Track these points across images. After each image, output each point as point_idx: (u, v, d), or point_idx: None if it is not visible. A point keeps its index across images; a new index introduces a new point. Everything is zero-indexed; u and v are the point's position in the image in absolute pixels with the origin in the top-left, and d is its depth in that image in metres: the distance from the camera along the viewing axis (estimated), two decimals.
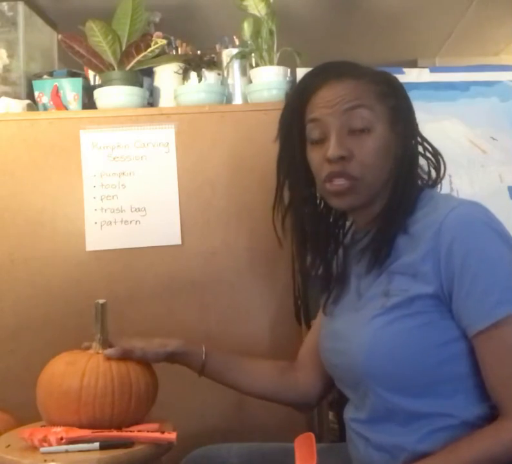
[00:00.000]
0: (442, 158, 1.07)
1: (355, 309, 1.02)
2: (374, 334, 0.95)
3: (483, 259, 0.88)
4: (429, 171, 1.07)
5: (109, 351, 1.15)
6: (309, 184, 1.08)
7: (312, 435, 1.01)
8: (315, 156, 1.03)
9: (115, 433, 1.08)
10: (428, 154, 1.06)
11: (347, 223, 1.15)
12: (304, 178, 1.07)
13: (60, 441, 1.05)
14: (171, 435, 1.08)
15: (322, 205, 1.11)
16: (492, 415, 0.90)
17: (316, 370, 1.19)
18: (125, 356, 1.15)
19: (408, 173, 1.02)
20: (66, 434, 1.06)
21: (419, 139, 1.06)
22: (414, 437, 0.93)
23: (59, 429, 1.08)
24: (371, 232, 1.03)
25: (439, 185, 1.07)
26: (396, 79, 1.05)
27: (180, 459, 1.24)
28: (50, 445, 1.05)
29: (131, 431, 1.10)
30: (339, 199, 1.01)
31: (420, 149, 1.07)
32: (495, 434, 0.87)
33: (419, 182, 1.06)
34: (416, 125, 1.05)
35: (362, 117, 0.99)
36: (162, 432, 1.09)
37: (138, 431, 1.10)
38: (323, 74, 1.03)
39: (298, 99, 1.05)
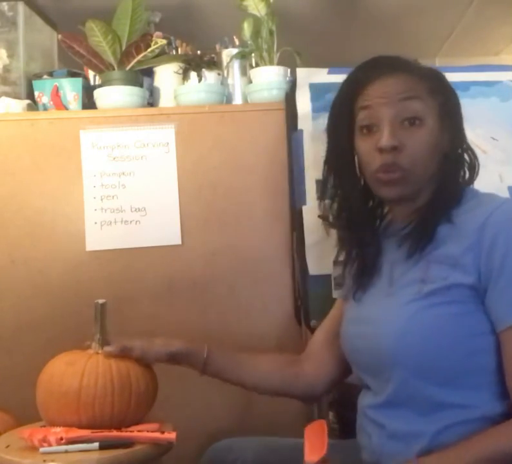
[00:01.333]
0: (477, 159, 1.09)
1: (387, 295, 1.03)
2: (408, 318, 0.96)
3: None
4: (465, 170, 1.08)
5: (107, 348, 1.15)
6: (354, 173, 1.10)
7: (324, 423, 0.99)
8: (364, 145, 1.04)
9: (114, 433, 1.08)
10: (469, 153, 1.08)
11: (384, 214, 1.17)
12: (350, 167, 1.09)
13: (60, 441, 1.05)
14: (171, 435, 1.08)
15: (364, 194, 1.12)
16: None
17: (325, 360, 1.20)
18: (124, 354, 1.16)
19: (454, 168, 1.04)
20: (65, 434, 1.06)
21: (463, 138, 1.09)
22: (433, 428, 0.94)
23: (58, 429, 1.08)
24: (413, 222, 1.04)
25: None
26: (444, 77, 1.08)
27: (181, 459, 1.24)
28: (50, 445, 1.05)
29: (131, 431, 1.10)
30: (389, 188, 1.03)
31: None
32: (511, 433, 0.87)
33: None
34: (462, 123, 1.07)
35: (416, 108, 1.01)
36: (162, 432, 1.09)
37: (138, 431, 1.10)
38: (377, 67, 1.05)
39: (350, 89, 1.06)
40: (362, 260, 1.11)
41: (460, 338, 0.92)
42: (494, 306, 0.91)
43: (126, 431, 1.10)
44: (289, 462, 1.13)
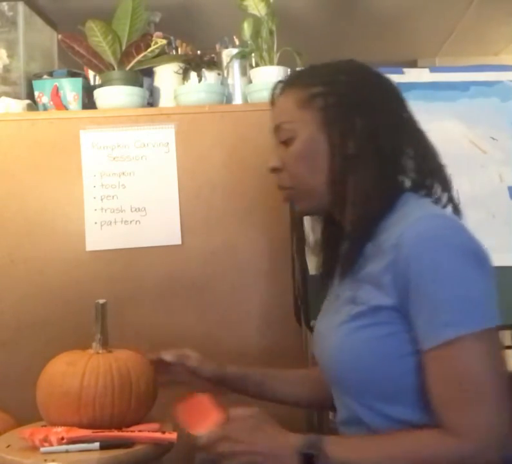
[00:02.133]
0: (432, 160, 1.02)
1: (334, 311, 1.02)
2: (340, 340, 0.95)
3: (436, 279, 0.84)
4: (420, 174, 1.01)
5: (166, 356, 1.16)
6: None
7: (206, 397, 1.00)
8: None
9: (115, 433, 1.08)
10: (411, 155, 0.99)
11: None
12: None
13: (61, 441, 1.05)
14: (172, 436, 1.08)
15: None
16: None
17: None
18: (180, 360, 1.17)
19: (344, 173, 0.96)
20: (66, 434, 1.06)
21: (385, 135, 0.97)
22: None
23: (59, 429, 1.08)
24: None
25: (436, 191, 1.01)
26: (341, 75, 1.00)
27: (181, 459, 1.24)
28: (51, 445, 1.05)
29: (131, 431, 1.10)
30: (294, 204, 1.06)
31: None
32: (440, 442, 0.84)
33: (407, 183, 1.00)
34: (370, 122, 0.97)
35: (284, 130, 1.01)
36: (163, 432, 1.09)
37: (139, 431, 1.10)
38: (272, 91, 1.08)
39: None
40: (320, 271, 1.11)
41: (390, 359, 0.90)
42: (415, 329, 0.87)
43: (127, 431, 1.10)
44: None
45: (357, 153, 0.95)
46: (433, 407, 0.86)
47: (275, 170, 1.03)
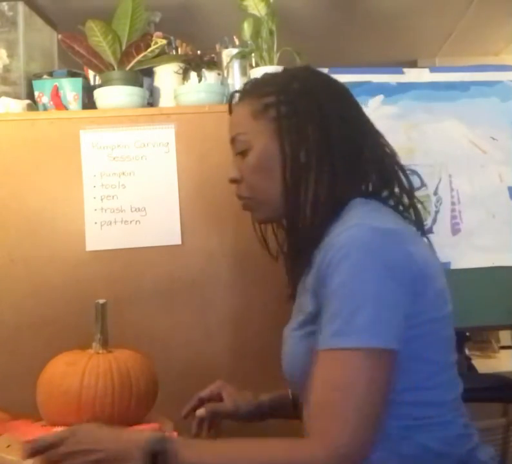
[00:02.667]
0: (390, 163, 1.01)
1: (292, 317, 1.04)
2: (290, 349, 0.98)
3: (343, 289, 0.84)
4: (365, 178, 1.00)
5: (199, 412, 1.16)
6: None
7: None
8: None
9: None
10: (368, 159, 0.99)
11: None
12: None
13: None
14: (172, 435, 1.08)
15: None
16: (394, 415, 0.88)
17: None
18: (214, 411, 1.17)
19: (296, 181, 0.96)
20: None
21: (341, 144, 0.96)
22: None
23: (59, 429, 1.08)
24: None
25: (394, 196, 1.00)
26: (294, 83, 0.99)
27: None
28: None
29: None
30: (252, 214, 1.07)
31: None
32: (290, 451, 0.84)
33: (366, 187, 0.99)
34: (322, 131, 0.96)
35: (239, 142, 1.02)
36: (163, 432, 1.09)
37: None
38: (228, 100, 1.10)
39: None
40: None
41: None
42: (321, 328, 0.87)
43: None
44: None
45: (309, 162, 0.95)
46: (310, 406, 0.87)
47: (234, 181, 1.04)
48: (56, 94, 1.68)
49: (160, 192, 1.63)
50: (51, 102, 1.69)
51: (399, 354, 0.85)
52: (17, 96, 1.69)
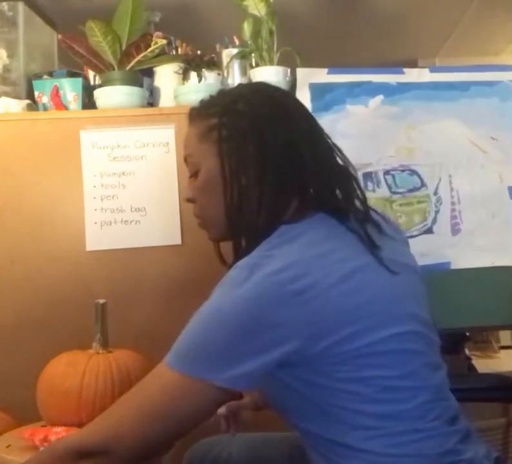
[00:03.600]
0: (337, 174, 0.98)
1: None
2: None
3: (196, 318, 0.94)
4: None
5: (220, 410, 1.18)
6: None
7: None
8: None
9: None
10: (312, 173, 0.96)
11: None
12: None
13: None
14: None
15: None
16: (349, 426, 0.88)
17: None
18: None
19: (236, 203, 0.96)
20: (66, 434, 1.06)
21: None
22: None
23: (59, 429, 1.08)
24: None
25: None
26: (238, 103, 0.99)
27: (181, 456, 1.24)
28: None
29: None
30: (206, 232, 1.09)
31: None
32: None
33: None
34: (261, 152, 0.95)
35: (190, 164, 1.03)
36: None
37: None
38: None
39: None
40: None
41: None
42: None
43: None
44: (275, 454, 1.14)
45: (248, 184, 0.95)
46: None
47: (189, 201, 1.06)
48: (56, 94, 1.68)
49: (160, 192, 1.63)
50: (51, 102, 1.69)
51: (337, 383, 0.85)
52: (17, 96, 1.69)
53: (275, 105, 1.00)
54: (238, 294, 0.86)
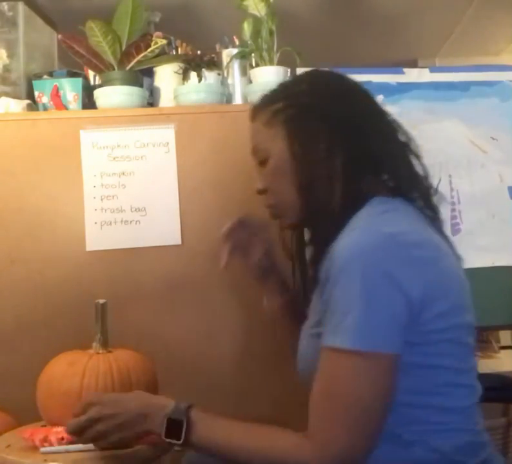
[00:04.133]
0: (406, 162, 1.00)
1: (309, 317, 1.04)
2: (303, 348, 0.99)
3: (343, 291, 0.85)
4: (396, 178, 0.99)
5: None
6: None
7: None
8: None
9: None
10: (382, 157, 0.98)
11: None
12: None
13: (61, 441, 1.05)
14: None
15: None
16: (406, 419, 0.88)
17: None
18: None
19: (310, 182, 0.96)
20: (66, 434, 1.06)
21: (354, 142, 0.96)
22: None
23: (59, 429, 1.08)
24: None
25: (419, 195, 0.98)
26: (301, 85, 1.01)
27: (180, 459, 1.24)
28: (51, 445, 1.05)
29: None
30: (279, 222, 1.08)
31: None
32: (289, 446, 0.86)
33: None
34: (332, 129, 0.96)
35: (258, 152, 1.04)
36: None
37: None
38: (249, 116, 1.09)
39: None
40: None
41: None
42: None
43: None
44: None
45: (321, 161, 0.95)
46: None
47: (261, 192, 1.06)
48: (56, 94, 1.68)
49: (160, 192, 1.63)
50: (51, 102, 1.69)
51: (411, 359, 0.85)
52: (17, 96, 1.69)
53: (339, 85, 1.02)
54: (377, 258, 0.84)
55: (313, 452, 0.83)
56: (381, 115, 1.02)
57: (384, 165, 0.98)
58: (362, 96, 1.03)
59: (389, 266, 0.84)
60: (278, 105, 1.00)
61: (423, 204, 0.99)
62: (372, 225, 0.89)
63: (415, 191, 0.99)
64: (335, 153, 0.95)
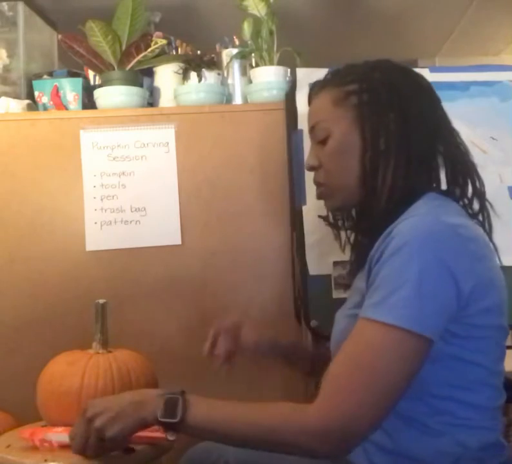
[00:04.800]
0: (465, 164, 1.02)
1: (348, 301, 1.05)
2: (344, 328, 0.97)
3: (390, 270, 0.86)
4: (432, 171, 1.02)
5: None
6: None
7: None
8: None
9: None
10: (442, 154, 1.01)
11: None
12: None
13: (61, 442, 1.05)
14: (163, 435, 1.07)
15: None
16: (436, 410, 0.89)
17: None
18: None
19: (375, 167, 0.98)
20: (66, 434, 1.06)
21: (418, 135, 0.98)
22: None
23: (60, 429, 1.08)
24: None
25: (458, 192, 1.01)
26: (376, 72, 1.02)
27: (177, 460, 1.24)
28: (51, 445, 1.05)
29: None
30: (324, 202, 1.08)
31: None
32: (286, 415, 0.86)
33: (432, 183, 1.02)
34: (403, 119, 0.98)
35: (321, 131, 1.04)
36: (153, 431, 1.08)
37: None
38: (309, 93, 1.12)
39: None
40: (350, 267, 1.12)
41: None
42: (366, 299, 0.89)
43: None
44: (270, 461, 1.13)
45: (388, 149, 0.97)
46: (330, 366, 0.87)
47: (312, 168, 1.06)
48: (56, 94, 1.68)
49: (160, 192, 1.63)
50: (51, 102, 1.69)
51: (450, 350, 0.86)
52: (17, 96, 1.69)
53: (410, 77, 1.04)
54: (436, 245, 0.86)
55: (318, 412, 0.82)
56: (447, 118, 1.05)
57: (445, 165, 1.01)
58: (433, 96, 1.05)
59: (447, 255, 0.85)
60: (352, 86, 1.01)
61: (479, 207, 1.02)
62: (433, 213, 0.91)
63: (467, 195, 1.01)
64: (402, 144, 0.97)
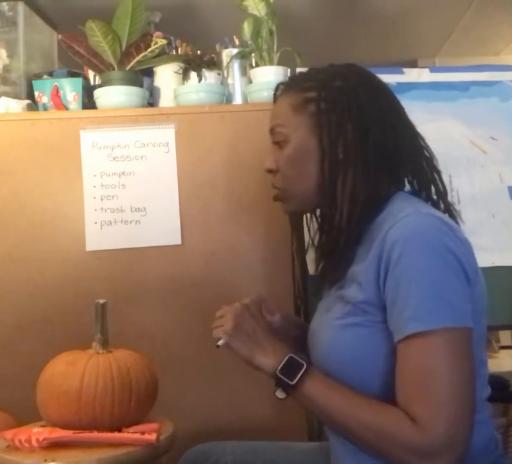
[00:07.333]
0: (427, 164, 1.02)
1: (326, 309, 1.03)
2: (332, 338, 0.96)
3: (411, 277, 0.85)
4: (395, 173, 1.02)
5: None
6: None
7: None
8: None
9: (95, 434, 1.07)
10: (405, 159, 1.01)
11: None
12: None
13: (41, 442, 1.05)
14: (151, 437, 1.07)
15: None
16: None
17: None
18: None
19: (334, 177, 0.98)
20: (48, 435, 1.06)
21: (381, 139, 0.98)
22: None
23: (40, 430, 1.08)
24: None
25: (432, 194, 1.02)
26: (337, 80, 1.00)
27: (176, 461, 1.24)
28: (31, 446, 1.05)
29: (118, 431, 1.09)
30: (281, 205, 1.09)
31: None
32: (401, 423, 0.83)
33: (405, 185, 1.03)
34: (360, 128, 0.97)
35: (279, 134, 1.04)
36: (142, 433, 1.08)
37: (119, 432, 1.09)
38: (274, 91, 1.12)
39: None
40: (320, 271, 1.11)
41: (378, 356, 0.90)
42: (392, 319, 0.88)
43: (124, 431, 1.10)
44: (269, 463, 1.13)
45: (347, 159, 0.97)
46: (397, 399, 0.86)
47: (269, 171, 1.06)
48: (56, 94, 1.69)
49: (160, 192, 1.63)
50: (51, 102, 1.69)
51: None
52: (17, 96, 1.69)
53: (371, 84, 1.03)
54: (438, 235, 0.87)
55: (423, 433, 0.81)
56: (410, 125, 1.05)
57: (407, 166, 1.02)
58: (391, 100, 1.04)
59: (449, 242, 0.86)
60: (311, 93, 1.00)
61: (444, 207, 1.03)
62: (421, 209, 0.91)
63: (432, 192, 1.02)
64: (361, 154, 0.97)
